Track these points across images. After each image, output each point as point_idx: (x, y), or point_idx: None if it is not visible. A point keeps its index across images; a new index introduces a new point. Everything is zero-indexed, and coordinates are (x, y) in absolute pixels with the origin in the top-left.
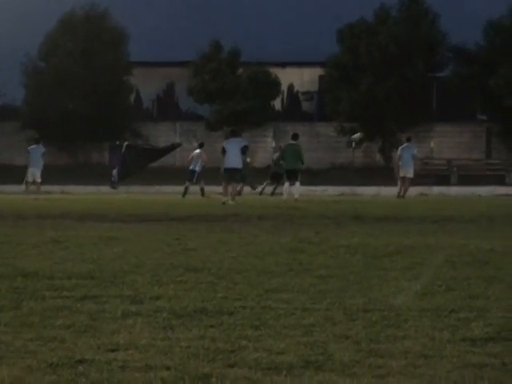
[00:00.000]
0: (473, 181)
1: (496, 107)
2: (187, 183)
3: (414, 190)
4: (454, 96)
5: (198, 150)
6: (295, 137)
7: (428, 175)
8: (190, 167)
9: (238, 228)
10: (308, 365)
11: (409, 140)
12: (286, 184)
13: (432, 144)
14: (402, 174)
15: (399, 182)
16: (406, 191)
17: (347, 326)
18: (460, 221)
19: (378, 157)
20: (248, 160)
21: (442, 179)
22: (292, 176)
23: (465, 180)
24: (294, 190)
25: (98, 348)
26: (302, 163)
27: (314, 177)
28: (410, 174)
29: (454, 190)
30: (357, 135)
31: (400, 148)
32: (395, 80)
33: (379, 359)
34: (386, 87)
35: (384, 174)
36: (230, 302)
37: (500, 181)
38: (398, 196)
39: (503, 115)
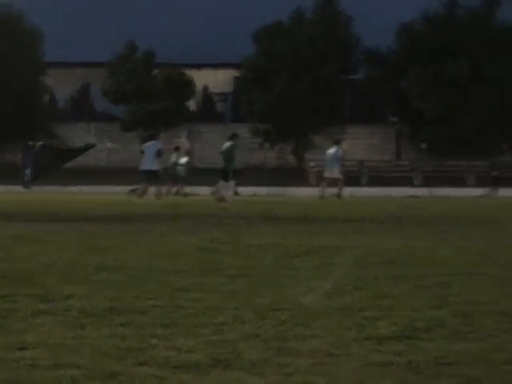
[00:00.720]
0: (383, 182)
1: (406, 109)
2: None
3: (325, 191)
4: (366, 98)
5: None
6: (232, 137)
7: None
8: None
9: (153, 228)
10: (217, 363)
11: (337, 143)
12: (220, 183)
13: (344, 145)
14: (326, 175)
15: (339, 184)
16: (339, 191)
17: (256, 325)
18: (369, 221)
19: (291, 158)
20: (184, 161)
21: (354, 180)
22: (223, 175)
23: (375, 181)
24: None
25: (7, 346)
26: (228, 162)
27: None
28: (336, 174)
29: (365, 191)
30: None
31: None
32: (309, 82)
33: (287, 358)
34: (300, 89)
35: (296, 175)
36: (141, 301)
37: (409, 182)
38: (336, 196)
39: (412, 117)
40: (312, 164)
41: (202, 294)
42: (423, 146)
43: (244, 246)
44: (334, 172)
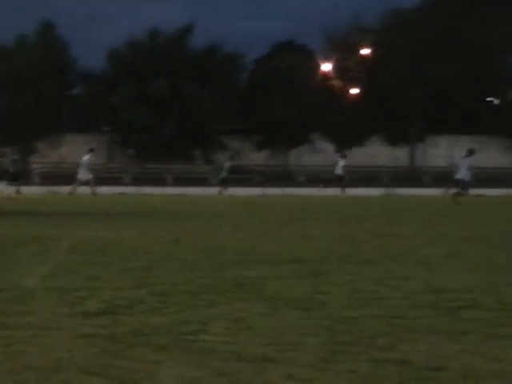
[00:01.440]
0: (97, 182)
1: (117, 120)
2: None
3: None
4: (83, 111)
5: None
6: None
7: (62, 176)
8: None
9: None
10: None
11: (91, 150)
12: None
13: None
14: (85, 177)
15: (75, 184)
16: (92, 190)
17: None
18: (84, 215)
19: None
20: None
21: (72, 180)
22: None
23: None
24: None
25: None
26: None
27: None
28: (84, 176)
29: (81, 190)
30: None
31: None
32: (31, 97)
33: (7, 331)
34: (24, 103)
35: (22, 176)
36: None
37: (118, 181)
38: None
39: (122, 127)
40: (35, 166)
41: None
42: (131, 151)
43: None
44: (83, 175)
